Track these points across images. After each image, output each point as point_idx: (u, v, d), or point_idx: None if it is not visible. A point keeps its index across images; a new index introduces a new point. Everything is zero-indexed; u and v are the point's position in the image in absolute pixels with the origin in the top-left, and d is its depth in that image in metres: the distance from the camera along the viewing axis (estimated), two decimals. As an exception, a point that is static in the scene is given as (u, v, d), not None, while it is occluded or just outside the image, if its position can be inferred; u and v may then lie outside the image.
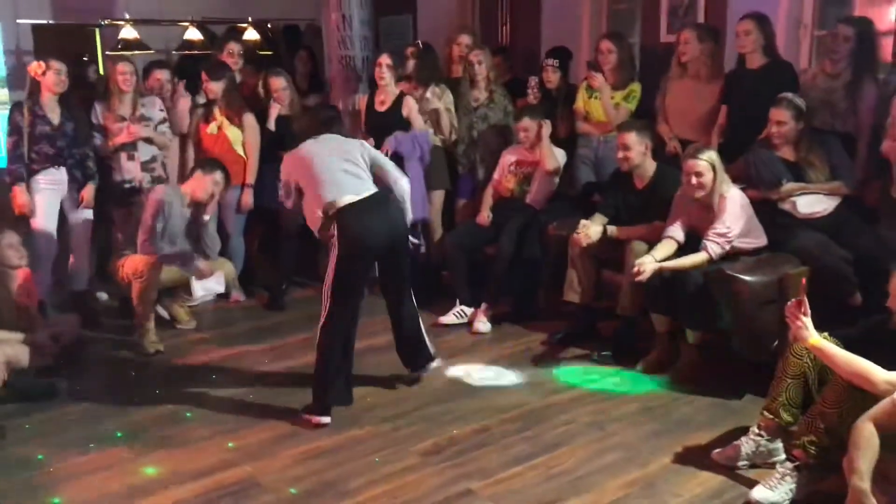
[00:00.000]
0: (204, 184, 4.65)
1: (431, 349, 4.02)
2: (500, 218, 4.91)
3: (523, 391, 3.95)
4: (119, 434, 3.53)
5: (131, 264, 4.50)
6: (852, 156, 4.16)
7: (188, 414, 3.74)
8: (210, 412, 3.76)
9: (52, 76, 4.67)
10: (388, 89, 5.19)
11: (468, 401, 3.84)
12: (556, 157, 4.90)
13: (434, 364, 4.04)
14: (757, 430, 3.13)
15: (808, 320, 2.83)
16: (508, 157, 5.08)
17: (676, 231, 4.02)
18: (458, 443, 3.42)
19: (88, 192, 4.86)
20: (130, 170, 5.02)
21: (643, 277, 3.83)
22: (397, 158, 4.80)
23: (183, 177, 5.14)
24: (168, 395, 3.95)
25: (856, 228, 3.94)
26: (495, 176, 5.10)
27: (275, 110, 5.31)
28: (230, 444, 3.43)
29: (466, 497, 3.01)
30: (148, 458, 3.31)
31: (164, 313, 4.90)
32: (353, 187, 3.63)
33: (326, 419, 3.55)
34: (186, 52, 6.95)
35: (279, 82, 5.35)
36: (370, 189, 3.67)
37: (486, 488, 3.06)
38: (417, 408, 3.75)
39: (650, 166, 4.30)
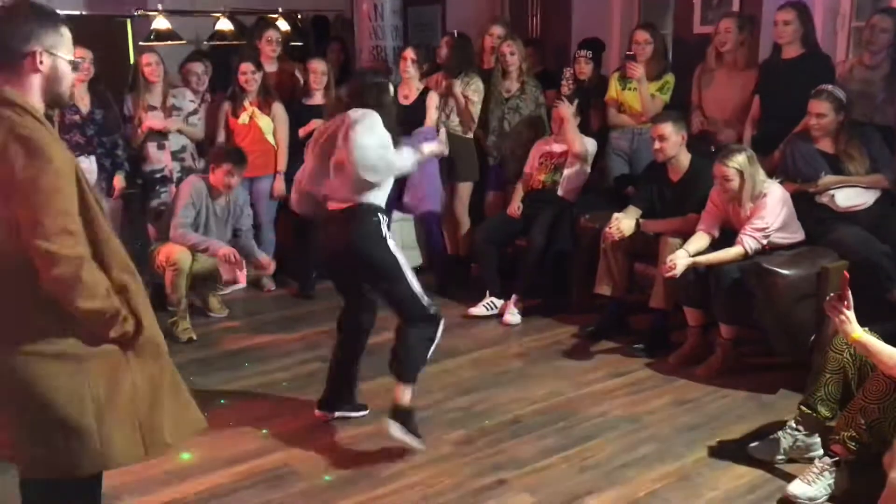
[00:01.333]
0: (219, 177, 4.65)
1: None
2: (532, 210, 4.90)
3: (555, 384, 3.93)
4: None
5: (164, 253, 4.55)
6: (892, 149, 4.09)
7: (222, 401, 3.77)
8: (244, 400, 3.79)
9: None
10: (413, 83, 5.20)
11: (500, 391, 3.84)
12: (584, 142, 4.88)
13: (359, 414, 3.56)
14: (794, 425, 3.10)
15: (851, 314, 2.78)
16: (539, 149, 5.06)
17: (710, 225, 3.98)
18: (491, 433, 3.43)
19: (119, 181, 4.91)
20: (160, 159, 5.06)
21: (675, 273, 3.80)
22: None
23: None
24: (202, 382, 3.97)
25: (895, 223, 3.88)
26: (526, 169, 5.08)
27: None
28: (264, 432, 3.45)
29: (500, 487, 3.01)
30: (183, 444, 3.32)
31: (197, 302, 4.94)
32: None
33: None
34: (218, 42, 6.97)
35: (321, 65, 5.36)
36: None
37: (520, 479, 3.06)
38: (448, 398, 3.75)
39: (685, 158, 4.26)
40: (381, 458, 3.20)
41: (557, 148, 4.97)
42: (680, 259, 3.81)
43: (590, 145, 4.94)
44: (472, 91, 5.18)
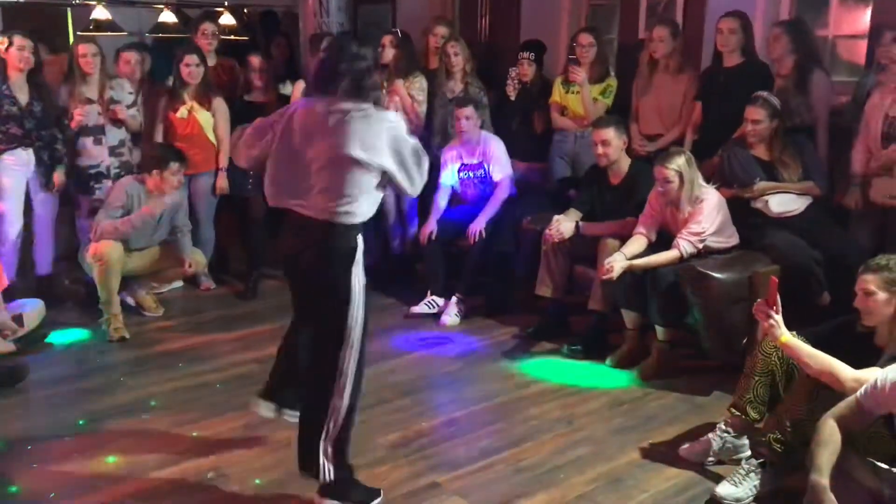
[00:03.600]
0: (166, 180, 4.56)
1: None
2: (472, 211, 4.87)
3: (494, 385, 3.93)
4: (82, 422, 3.46)
5: (93, 248, 4.44)
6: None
7: (153, 402, 3.68)
8: (175, 401, 3.70)
9: (14, 52, 4.55)
10: None
11: (438, 392, 3.83)
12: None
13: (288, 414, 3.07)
14: (724, 427, 3.15)
15: (779, 318, 2.84)
16: (451, 159, 4.94)
17: (648, 228, 4.03)
18: (426, 435, 3.41)
19: (59, 176, 4.75)
20: (97, 155, 4.90)
21: (612, 276, 3.83)
22: None
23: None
24: (133, 383, 3.89)
25: (826, 229, 3.98)
26: (445, 181, 4.97)
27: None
28: (194, 434, 3.38)
29: (433, 490, 2.99)
30: (111, 446, 3.25)
31: (130, 301, 4.83)
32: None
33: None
34: (161, 34, 6.83)
35: (260, 62, 5.28)
36: None
37: (453, 482, 3.05)
38: (387, 400, 3.72)
39: (626, 162, 4.31)
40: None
41: (470, 159, 4.92)
42: (617, 262, 3.85)
43: (495, 144, 4.89)
44: (417, 90, 5.16)
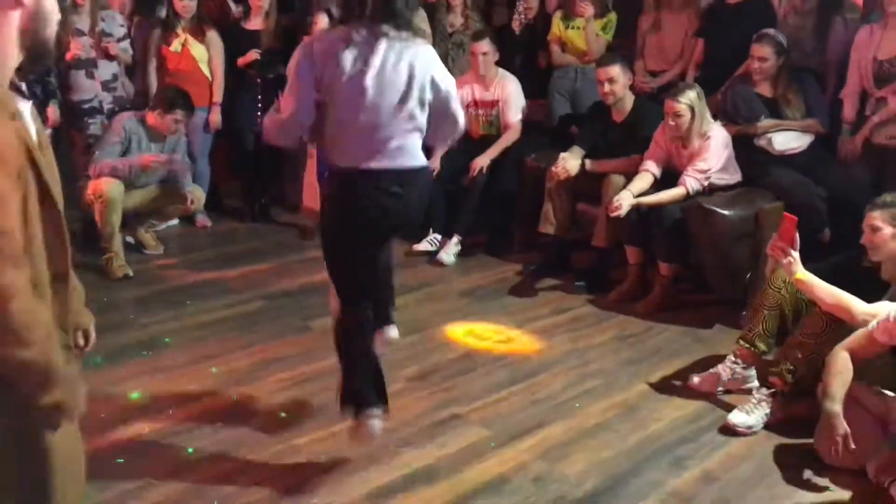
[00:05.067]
0: (166, 123, 4.49)
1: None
2: (475, 150, 4.87)
3: (501, 320, 4.00)
4: (99, 359, 3.46)
5: (92, 186, 4.38)
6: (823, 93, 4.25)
7: (166, 339, 3.70)
8: (189, 338, 3.72)
9: None
10: None
11: (449, 328, 3.89)
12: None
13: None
14: (733, 358, 3.26)
15: (796, 255, 2.92)
16: (463, 92, 4.78)
17: (653, 166, 4.07)
18: (441, 369, 3.48)
19: (53, 112, 4.63)
20: (89, 89, 4.80)
21: (620, 213, 3.89)
22: None
23: (146, 99, 4.93)
24: (143, 320, 3.89)
25: (828, 166, 4.06)
26: None
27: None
28: (214, 370, 3.41)
29: (455, 420, 3.07)
30: (132, 383, 3.27)
31: (129, 239, 4.78)
32: None
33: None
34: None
35: None
36: None
37: (473, 413, 3.14)
38: (400, 334, 3.76)
39: (629, 100, 4.32)
40: (334, 395, 3.20)
41: (485, 95, 4.87)
42: (625, 199, 3.90)
43: (513, 85, 4.86)
44: (420, 20, 5.07)
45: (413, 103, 2.52)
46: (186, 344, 3.65)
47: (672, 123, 3.89)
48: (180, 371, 3.40)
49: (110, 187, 4.33)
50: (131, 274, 4.40)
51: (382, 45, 2.47)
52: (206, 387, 3.27)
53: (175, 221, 5.20)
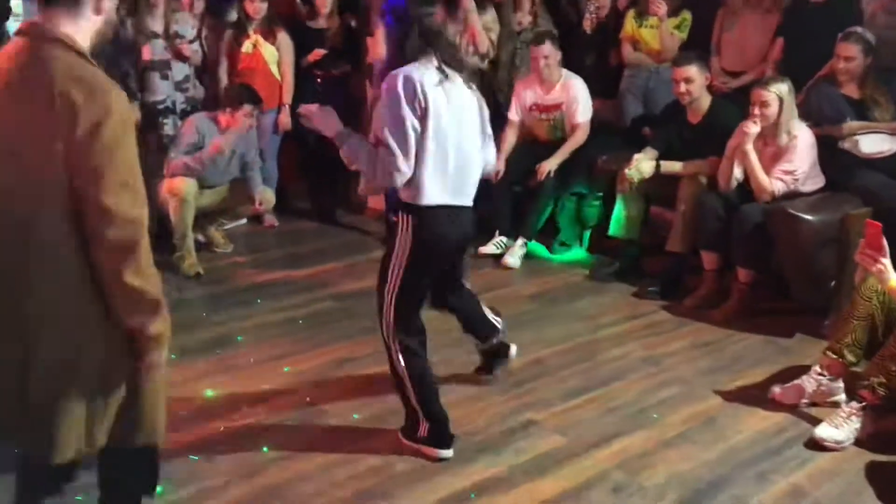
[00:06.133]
0: (238, 119, 4.53)
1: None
2: (542, 152, 4.79)
3: (573, 325, 3.93)
4: (173, 356, 3.48)
5: (167, 184, 4.44)
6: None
7: (239, 338, 3.72)
8: (260, 336, 3.74)
9: None
10: None
11: (519, 333, 3.81)
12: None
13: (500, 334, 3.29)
14: (819, 370, 3.14)
15: (888, 262, 2.79)
16: (523, 95, 4.80)
17: (738, 170, 3.93)
18: (515, 374, 3.42)
19: (135, 112, 4.69)
20: (163, 90, 4.87)
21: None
22: None
23: (216, 101, 4.99)
24: (216, 318, 3.93)
25: (919, 171, 3.88)
26: (512, 116, 4.82)
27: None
28: (286, 369, 3.42)
29: (531, 427, 3.02)
30: (206, 381, 3.30)
31: (199, 237, 4.84)
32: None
33: (447, 452, 2.80)
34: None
35: None
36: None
37: (549, 419, 3.08)
38: (470, 338, 3.72)
39: (706, 100, 4.20)
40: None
41: (547, 99, 4.76)
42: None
43: (579, 85, 4.75)
44: (491, 20, 5.02)
45: (481, 137, 2.73)
46: (258, 343, 3.67)
47: (757, 112, 3.74)
48: (252, 370, 3.42)
49: (185, 185, 4.38)
50: (202, 272, 4.45)
51: (457, 81, 2.58)
52: (279, 386, 3.28)
53: (244, 220, 5.25)
